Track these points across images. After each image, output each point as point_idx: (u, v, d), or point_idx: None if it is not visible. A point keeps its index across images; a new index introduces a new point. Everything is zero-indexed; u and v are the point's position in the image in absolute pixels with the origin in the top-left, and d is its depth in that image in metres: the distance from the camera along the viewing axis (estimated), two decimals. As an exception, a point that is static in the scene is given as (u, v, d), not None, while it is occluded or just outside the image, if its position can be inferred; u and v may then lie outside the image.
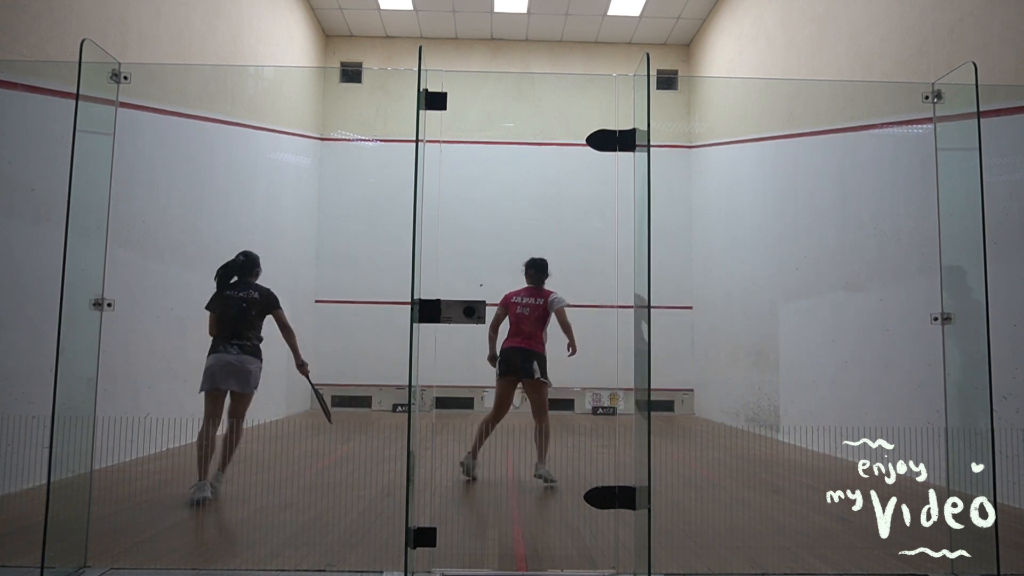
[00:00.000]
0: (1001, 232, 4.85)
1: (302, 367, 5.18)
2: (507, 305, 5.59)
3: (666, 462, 5.87)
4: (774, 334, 8.41)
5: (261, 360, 5.01)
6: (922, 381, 5.66)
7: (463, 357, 10.84)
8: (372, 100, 11.79)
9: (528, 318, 5.46)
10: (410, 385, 3.11)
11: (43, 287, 4.64)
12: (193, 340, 7.43)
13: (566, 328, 5.44)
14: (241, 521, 4.09)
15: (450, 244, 10.69)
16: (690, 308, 11.14)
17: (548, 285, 5.65)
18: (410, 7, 11.02)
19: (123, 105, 3.41)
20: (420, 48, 3.17)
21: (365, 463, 6.24)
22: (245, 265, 5.12)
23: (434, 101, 3.22)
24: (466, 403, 10.84)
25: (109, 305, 3.25)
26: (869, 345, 6.61)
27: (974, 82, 3.31)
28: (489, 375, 5.71)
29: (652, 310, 3.09)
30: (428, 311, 3.07)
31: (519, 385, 5.51)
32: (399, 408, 10.81)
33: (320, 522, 4.09)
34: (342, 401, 11.07)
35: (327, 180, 11.50)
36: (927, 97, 3.54)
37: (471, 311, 3.07)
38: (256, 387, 4.95)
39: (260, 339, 5.05)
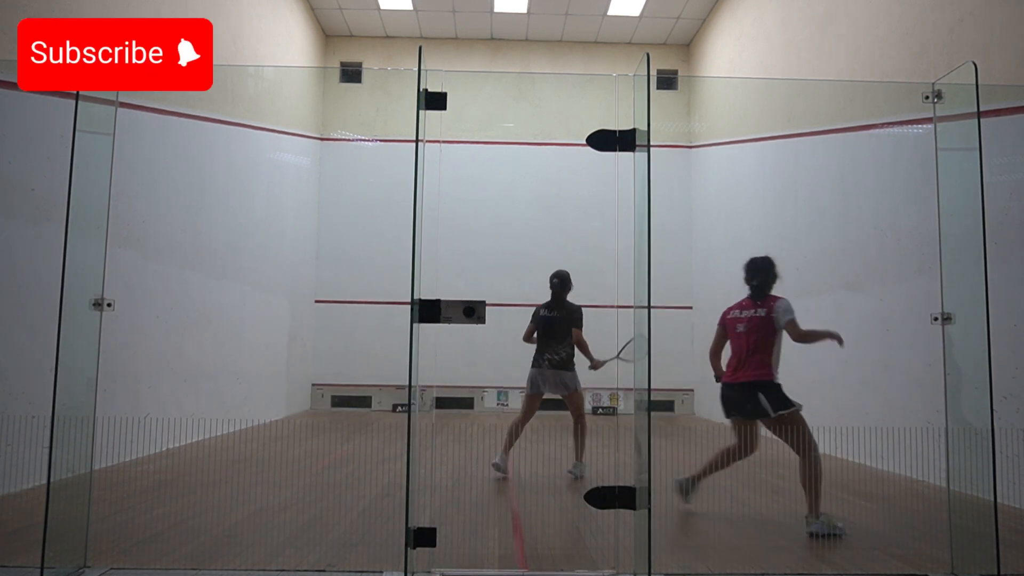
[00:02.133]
0: (1001, 232, 4.85)
1: (595, 366, 5.76)
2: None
3: (666, 462, 5.86)
4: (774, 334, 8.38)
5: (572, 368, 5.74)
6: (922, 381, 5.65)
7: (463, 357, 10.87)
8: (372, 100, 11.79)
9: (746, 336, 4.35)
10: (410, 385, 3.11)
11: (43, 287, 4.64)
12: (193, 340, 7.46)
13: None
14: (241, 521, 4.09)
15: (450, 244, 10.69)
16: (690, 308, 11.13)
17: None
18: (410, 7, 11.01)
19: (123, 105, 3.41)
20: (420, 48, 3.17)
21: (365, 463, 6.24)
22: (555, 286, 5.82)
23: (434, 101, 3.22)
24: (466, 403, 10.83)
25: (109, 305, 3.25)
26: (869, 345, 6.61)
27: (974, 82, 3.31)
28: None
29: (652, 310, 3.09)
30: (428, 311, 3.07)
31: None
32: (399, 408, 10.81)
33: (320, 522, 4.09)
34: (342, 401, 11.07)
35: (327, 180, 11.49)
36: (927, 97, 3.54)
37: (471, 311, 3.07)
38: (576, 388, 5.71)
39: (568, 352, 5.71)
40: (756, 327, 4.31)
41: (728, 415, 4.40)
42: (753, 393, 4.23)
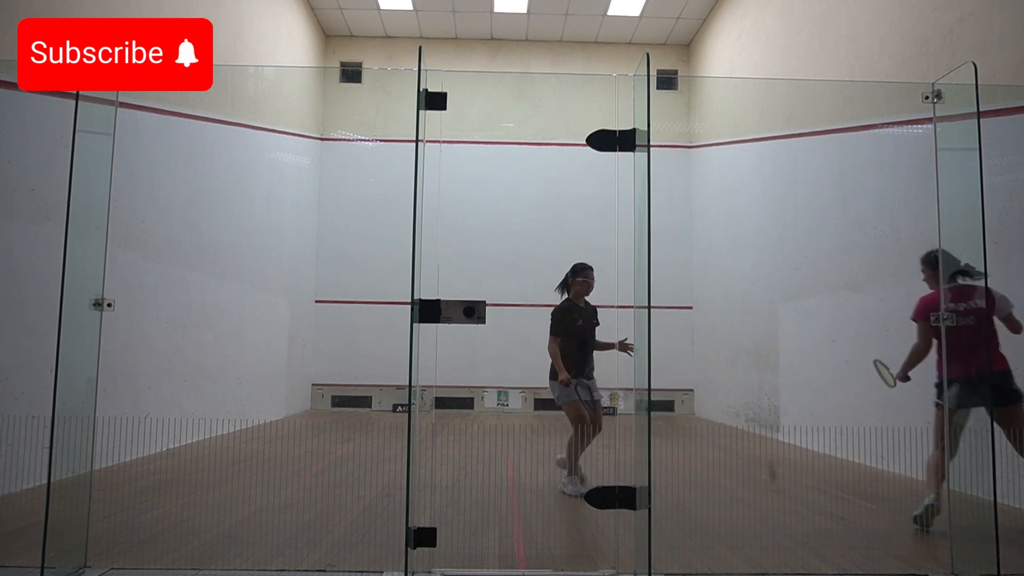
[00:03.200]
0: (1001, 232, 4.85)
1: (562, 381, 5.04)
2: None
3: (666, 462, 5.87)
4: (774, 334, 8.41)
5: (555, 377, 5.09)
6: (922, 381, 5.65)
7: (463, 357, 10.87)
8: (372, 100, 11.79)
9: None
10: (410, 385, 3.11)
11: (43, 287, 4.64)
12: (193, 340, 7.46)
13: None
14: (241, 521, 4.09)
15: (450, 244, 10.69)
16: (690, 308, 11.14)
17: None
18: (410, 7, 11.01)
19: (123, 105, 3.41)
20: (420, 48, 3.17)
21: (365, 463, 6.24)
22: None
23: (434, 101, 3.22)
24: (466, 403, 10.83)
25: (109, 305, 3.25)
26: (869, 345, 6.61)
27: (974, 82, 3.31)
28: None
29: (652, 310, 3.09)
30: (428, 311, 3.07)
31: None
32: (399, 408, 10.81)
33: (320, 522, 4.09)
34: (342, 401, 11.07)
35: (327, 180, 11.49)
36: (927, 97, 3.54)
37: (471, 311, 3.07)
38: (558, 400, 5.08)
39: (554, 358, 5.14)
40: (982, 318, 4.05)
41: (963, 405, 3.97)
42: (1003, 381, 4.11)
